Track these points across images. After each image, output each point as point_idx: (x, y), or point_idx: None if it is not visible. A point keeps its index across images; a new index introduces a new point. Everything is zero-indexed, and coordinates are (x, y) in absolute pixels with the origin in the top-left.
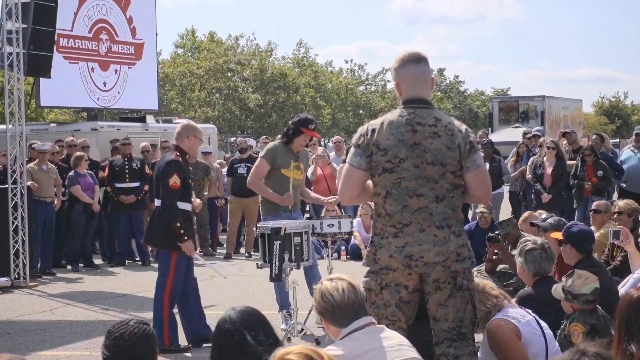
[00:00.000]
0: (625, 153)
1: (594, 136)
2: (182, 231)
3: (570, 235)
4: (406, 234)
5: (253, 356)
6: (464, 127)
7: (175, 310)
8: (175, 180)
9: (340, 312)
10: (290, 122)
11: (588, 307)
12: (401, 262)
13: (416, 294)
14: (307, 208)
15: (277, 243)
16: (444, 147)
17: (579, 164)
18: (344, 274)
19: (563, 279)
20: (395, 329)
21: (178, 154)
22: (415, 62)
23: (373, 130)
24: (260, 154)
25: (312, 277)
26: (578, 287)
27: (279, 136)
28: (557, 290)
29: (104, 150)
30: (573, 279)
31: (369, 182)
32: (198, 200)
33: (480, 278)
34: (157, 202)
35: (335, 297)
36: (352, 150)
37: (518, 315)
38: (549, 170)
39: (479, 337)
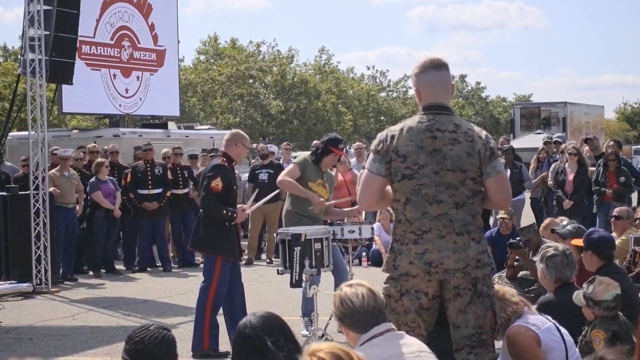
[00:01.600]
0: None
1: (611, 142)
2: (229, 213)
3: (591, 242)
4: (426, 241)
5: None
6: (483, 133)
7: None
8: (217, 183)
9: (359, 317)
10: (319, 141)
11: (609, 314)
12: (421, 268)
13: (436, 300)
14: None
15: (297, 249)
16: (463, 153)
17: (601, 169)
18: (364, 280)
19: (584, 285)
20: (415, 336)
21: (225, 159)
22: (435, 68)
23: (392, 137)
24: (294, 160)
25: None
26: (599, 294)
27: (308, 154)
28: (578, 296)
29: (126, 156)
30: (594, 285)
31: (388, 188)
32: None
33: (501, 285)
34: None
35: (355, 302)
36: (371, 156)
37: (538, 322)
38: (570, 176)
39: (498, 344)
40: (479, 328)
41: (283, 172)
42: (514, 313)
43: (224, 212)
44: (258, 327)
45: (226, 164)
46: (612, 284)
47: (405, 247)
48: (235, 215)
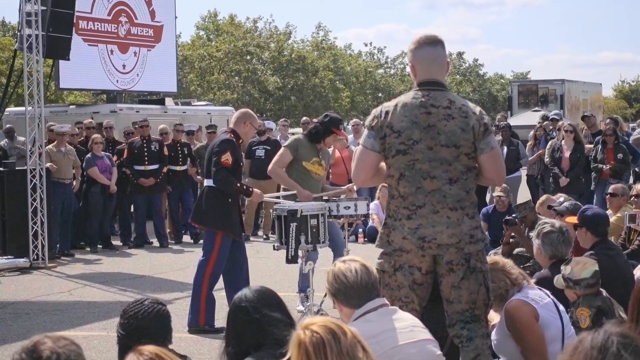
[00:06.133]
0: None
1: (608, 120)
2: (244, 187)
3: (585, 219)
4: (419, 216)
5: (267, 334)
6: (478, 109)
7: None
8: (227, 158)
9: (353, 292)
10: (317, 121)
11: (591, 291)
12: (414, 243)
13: (429, 275)
14: None
15: (293, 225)
16: (457, 129)
17: (600, 147)
18: (357, 256)
19: (562, 267)
20: (409, 311)
21: (232, 135)
22: (431, 44)
23: (387, 112)
24: (284, 144)
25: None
26: (577, 273)
27: (303, 132)
28: (558, 280)
29: (123, 132)
30: (571, 266)
31: (383, 164)
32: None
33: (500, 257)
34: (207, 182)
35: (348, 277)
36: (365, 132)
37: (537, 297)
38: (567, 153)
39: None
40: (472, 303)
41: (274, 159)
42: (513, 285)
43: (238, 185)
44: (254, 300)
45: (234, 139)
46: (588, 262)
47: (398, 223)
48: (251, 190)
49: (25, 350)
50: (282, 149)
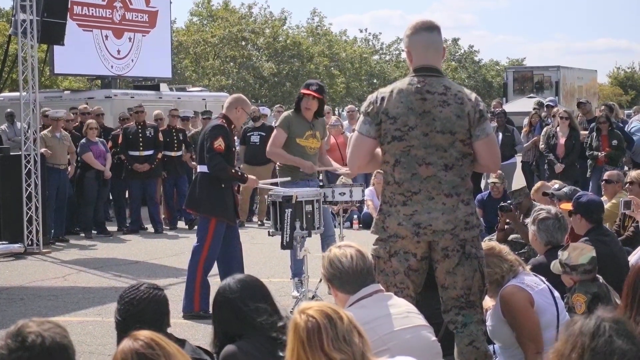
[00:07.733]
0: (635, 124)
1: (602, 107)
2: (238, 172)
3: (579, 206)
4: (415, 202)
5: (251, 324)
6: (473, 95)
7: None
8: (220, 143)
9: (348, 278)
10: None
11: (588, 277)
12: (410, 230)
13: (425, 261)
14: (320, 177)
15: (288, 211)
16: (453, 115)
17: (594, 134)
18: (353, 242)
19: (559, 253)
20: (404, 297)
21: (224, 121)
22: (427, 30)
23: (382, 98)
24: (276, 124)
25: (328, 246)
26: (575, 259)
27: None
28: (555, 265)
29: (117, 118)
30: (568, 251)
31: (378, 150)
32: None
33: (496, 242)
34: (200, 168)
35: (343, 263)
36: (361, 118)
37: (532, 283)
38: (562, 140)
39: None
40: (467, 289)
41: (270, 141)
42: (509, 271)
43: (233, 171)
44: (237, 291)
45: (226, 125)
46: (586, 248)
47: (394, 209)
48: (246, 177)
49: (10, 335)
50: (275, 130)
